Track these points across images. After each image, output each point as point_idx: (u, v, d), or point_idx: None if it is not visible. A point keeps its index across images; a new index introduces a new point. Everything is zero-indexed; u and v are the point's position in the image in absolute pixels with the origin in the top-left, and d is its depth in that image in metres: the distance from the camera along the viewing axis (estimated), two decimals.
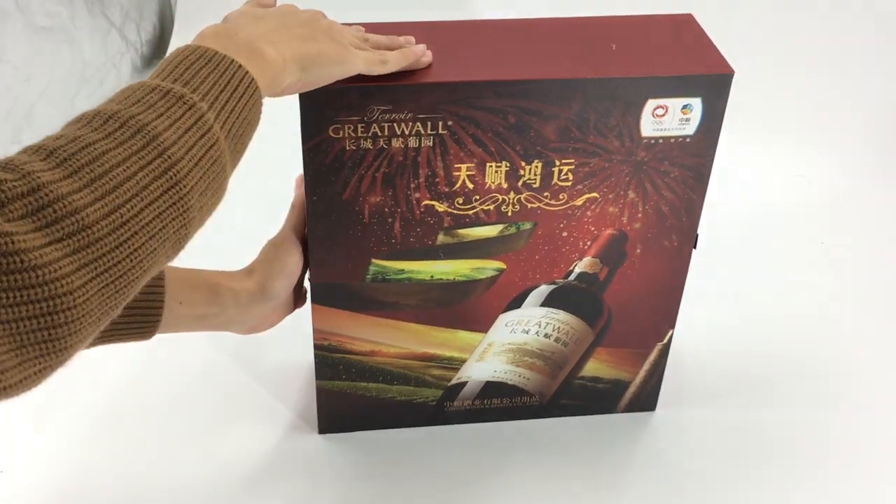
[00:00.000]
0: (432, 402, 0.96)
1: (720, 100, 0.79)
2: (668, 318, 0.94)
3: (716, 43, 0.83)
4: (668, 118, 0.80)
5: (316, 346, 0.90)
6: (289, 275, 0.85)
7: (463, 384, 0.95)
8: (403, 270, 0.86)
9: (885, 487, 0.95)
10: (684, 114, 0.80)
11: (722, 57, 0.80)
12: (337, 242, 0.83)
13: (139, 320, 0.77)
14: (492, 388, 0.96)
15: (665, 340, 0.96)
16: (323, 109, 0.75)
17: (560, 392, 0.97)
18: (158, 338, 1.02)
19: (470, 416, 0.98)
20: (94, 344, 0.69)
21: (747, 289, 1.18)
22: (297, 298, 0.90)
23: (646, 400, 1.00)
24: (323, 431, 0.97)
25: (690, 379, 1.05)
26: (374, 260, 0.85)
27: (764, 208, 1.32)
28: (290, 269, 0.84)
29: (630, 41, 0.82)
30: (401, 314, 0.89)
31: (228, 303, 0.82)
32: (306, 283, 0.89)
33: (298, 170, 0.82)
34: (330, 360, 0.91)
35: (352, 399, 0.94)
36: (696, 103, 0.80)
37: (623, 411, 1.01)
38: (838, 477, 0.96)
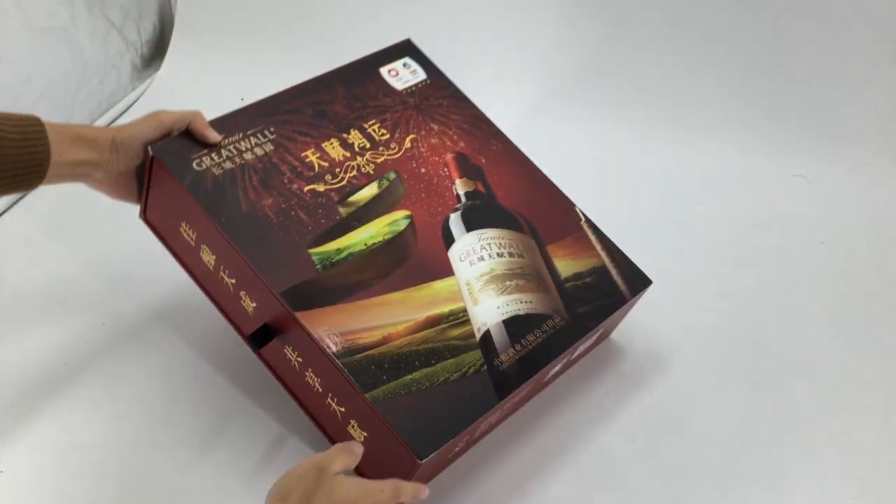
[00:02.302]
0: (483, 366, 0.89)
1: (420, 55, 1.10)
2: (564, 201, 1.04)
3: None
4: (401, 74, 1.07)
5: (338, 356, 0.85)
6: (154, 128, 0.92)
7: (487, 332, 0.91)
8: (340, 249, 0.92)
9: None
10: (408, 69, 1.08)
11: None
12: (269, 248, 0.89)
13: (24, 169, 0.83)
14: (513, 326, 0.92)
15: (583, 219, 1.04)
16: (178, 154, 0.91)
17: (567, 302, 0.96)
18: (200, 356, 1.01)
19: (525, 367, 0.90)
20: None
21: (746, 289, 1.18)
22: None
23: (639, 277, 1.01)
24: (423, 456, 0.82)
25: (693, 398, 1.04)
26: (309, 250, 0.90)
27: (764, 208, 1.32)
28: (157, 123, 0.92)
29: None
30: (374, 290, 0.90)
31: (105, 146, 0.88)
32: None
33: None
34: (359, 365, 0.85)
35: (411, 400, 0.84)
36: (409, 60, 1.09)
37: (633, 296, 1.00)
38: None
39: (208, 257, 0.92)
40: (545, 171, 1.07)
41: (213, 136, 0.94)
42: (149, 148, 0.91)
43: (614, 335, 1.09)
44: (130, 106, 1.45)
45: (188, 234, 0.93)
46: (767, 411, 1.02)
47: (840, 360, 1.09)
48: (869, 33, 1.36)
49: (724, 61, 1.34)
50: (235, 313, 0.93)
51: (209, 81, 1.46)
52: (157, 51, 1.57)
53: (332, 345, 0.85)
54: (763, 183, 1.36)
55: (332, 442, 0.91)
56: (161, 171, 0.92)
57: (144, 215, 0.98)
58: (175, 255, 0.97)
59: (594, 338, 1.01)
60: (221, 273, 0.92)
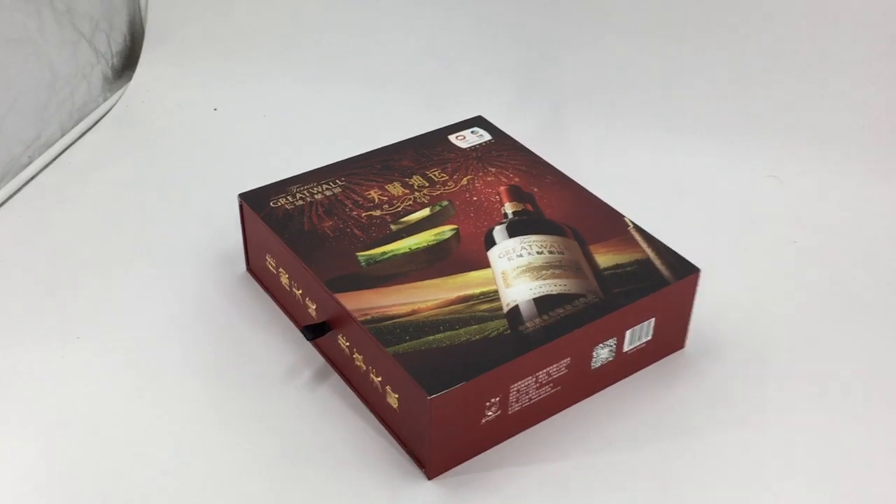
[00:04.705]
0: (506, 331, 0.94)
1: (488, 126, 1.24)
2: (614, 213, 1.10)
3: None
4: (468, 138, 1.22)
5: (364, 322, 0.94)
6: None
7: (516, 307, 0.97)
8: (385, 252, 1.03)
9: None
10: (475, 134, 1.23)
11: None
12: (322, 253, 1.02)
13: None
14: (543, 303, 0.97)
15: (631, 226, 1.08)
16: (259, 198, 1.10)
17: (604, 287, 1.00)
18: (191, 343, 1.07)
19: (550, 332, 0.94)
20: None
21: (720, 288, 1.16)
22: None
23: (684, 266, 1.03)
24: (432, 392, 0.87)
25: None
26: (357, 253, 1.03)
27: (737, 208, 1.31)
28: None
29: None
30: (411, 279, 1.00)
31: None
32: None
33: None
34: (384, 329, 0.93)
35: (432, 356, 0.91)
36: (477, 129, 1.24)
37: (676, 280, 1.01)
38: None
39: (285, 279, 1.07)
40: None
41: None
42: (237, 196, 1.11)
43: (691, 348, 1.09)
44: (102, 117, 1.46)
45: (271, 265, 1.09)
46: (754, 412, 1.01)
47: (816, 361, 1.08)
48: (847, 32, 1.36)
49: (708, 62, 1.35)
50: (305, 323, 1.06)
51: (181, 92, 1.49)
52: (128, 62, 1.59)
53: (362, 315, 0.95)
54: (735, 183, 1.36)
55: (387, 427, 0.97)
56: (247, 213, 1.10)
57: (248, 267, 1.16)
58: (274, 298, 1.12)
59: (646, 327, 1.02)
60: (294, 289, 1.06)
